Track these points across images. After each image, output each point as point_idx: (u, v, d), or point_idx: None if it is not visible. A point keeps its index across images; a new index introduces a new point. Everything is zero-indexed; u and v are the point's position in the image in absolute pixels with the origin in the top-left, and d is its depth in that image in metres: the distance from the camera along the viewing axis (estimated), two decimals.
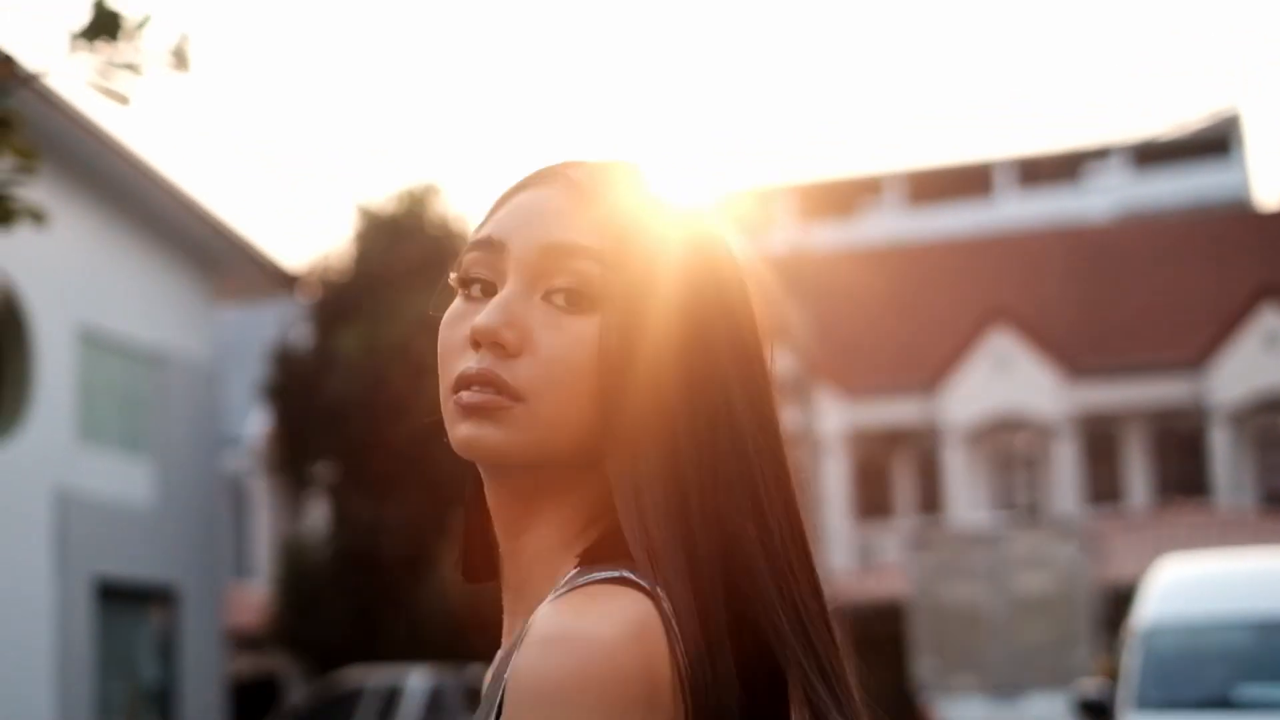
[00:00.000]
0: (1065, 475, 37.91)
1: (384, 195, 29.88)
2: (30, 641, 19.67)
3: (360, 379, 27.03)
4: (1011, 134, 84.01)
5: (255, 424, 36.62)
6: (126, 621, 22.22)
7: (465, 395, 1.53)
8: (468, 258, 1.59)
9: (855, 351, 39.20)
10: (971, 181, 50.01)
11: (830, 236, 44.68)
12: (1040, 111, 77.07)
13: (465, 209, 30.26)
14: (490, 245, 1.58)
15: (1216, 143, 50.05)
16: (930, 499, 39.23)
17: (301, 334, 29.96)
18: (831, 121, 77.81)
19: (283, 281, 26.35)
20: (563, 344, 1.52)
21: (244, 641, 32.35)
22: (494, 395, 1.52)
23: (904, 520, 38.07)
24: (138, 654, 22.69)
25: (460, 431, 1.54)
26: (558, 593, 1.48)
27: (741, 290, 1.63)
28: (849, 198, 50.06)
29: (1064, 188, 48.67)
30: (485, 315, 1.53)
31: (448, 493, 23.93)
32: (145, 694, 22.56)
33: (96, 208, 21.68)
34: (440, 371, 1.59)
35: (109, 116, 19.77)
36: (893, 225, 47.36)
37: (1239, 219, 44.06)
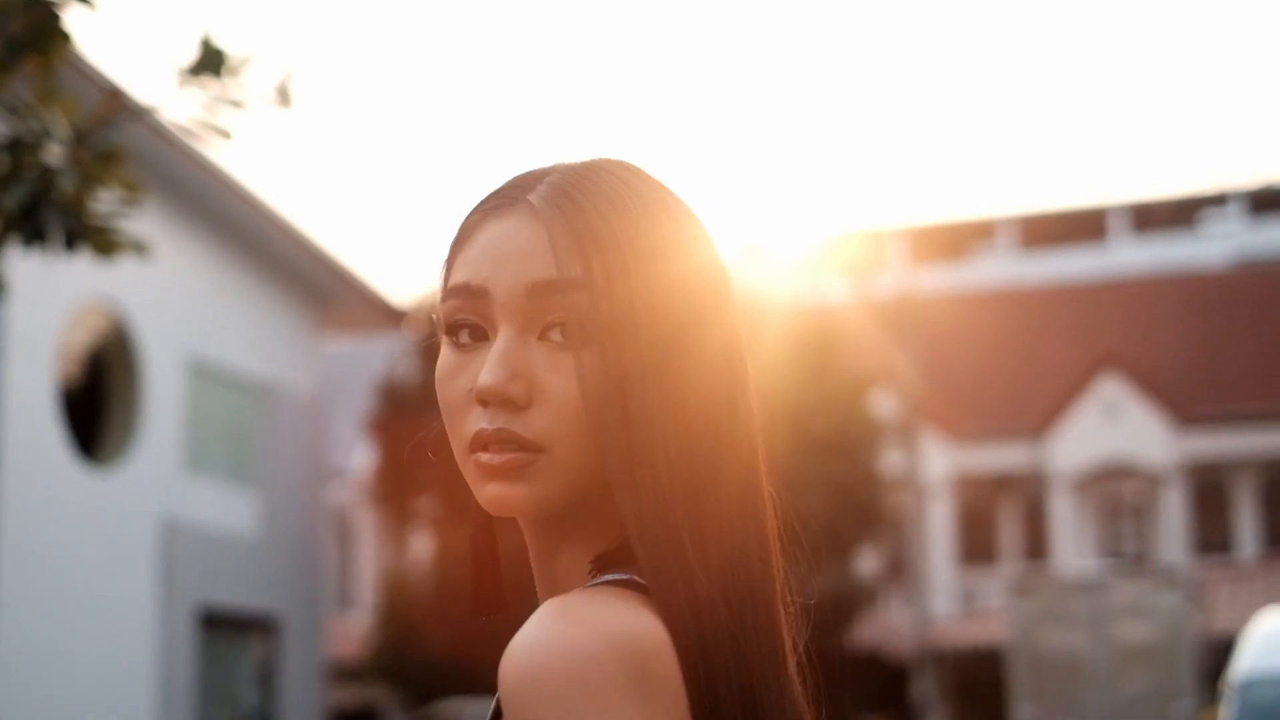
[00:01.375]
0: (1173, 524, 37.45)
1: None
2: (133, 668, 19.87)
3: None
4: (1126, 179, 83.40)
5: (360, 457, 36.86)
6: (228, 650, 22.40)
7: (485, 456, 1.52)
8: (448, 305, 1.55)
9: (963, 396, 38.95)
10: (1085, 227, 49.52)
11: (941, 280, 44.43)
12: (1155, 157, 76.49)
13: None
14: (471, 292, 1.53)
15: None
16: (1036, 546, 38.86)
17: (408, 368, 30.14)
18: (944, 164, 77.54)
19: (390, 315, 26.53)
20: (569, 385, 1.48)
21: (344, 672, 32.53)
22: (515, 453, 1.50)
23: (1008, 566, 37.73)
24: (238, 683, 22.86)
25: (488, 491, 1.53)
26: None
27: (726, 286, 1.59)
28: (961, 241, 49.70)
29: (1179, 234, 48.14)
30: (488, 373, 1.49)
31: None
32: None
33: (206, 240, 21.93)
34: (449, 428, 1.57)
35: (219, 150, 20.00)
36: (1004, 269, 46.99)
37: None
